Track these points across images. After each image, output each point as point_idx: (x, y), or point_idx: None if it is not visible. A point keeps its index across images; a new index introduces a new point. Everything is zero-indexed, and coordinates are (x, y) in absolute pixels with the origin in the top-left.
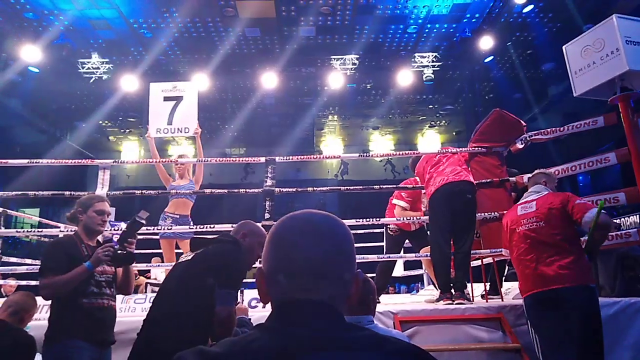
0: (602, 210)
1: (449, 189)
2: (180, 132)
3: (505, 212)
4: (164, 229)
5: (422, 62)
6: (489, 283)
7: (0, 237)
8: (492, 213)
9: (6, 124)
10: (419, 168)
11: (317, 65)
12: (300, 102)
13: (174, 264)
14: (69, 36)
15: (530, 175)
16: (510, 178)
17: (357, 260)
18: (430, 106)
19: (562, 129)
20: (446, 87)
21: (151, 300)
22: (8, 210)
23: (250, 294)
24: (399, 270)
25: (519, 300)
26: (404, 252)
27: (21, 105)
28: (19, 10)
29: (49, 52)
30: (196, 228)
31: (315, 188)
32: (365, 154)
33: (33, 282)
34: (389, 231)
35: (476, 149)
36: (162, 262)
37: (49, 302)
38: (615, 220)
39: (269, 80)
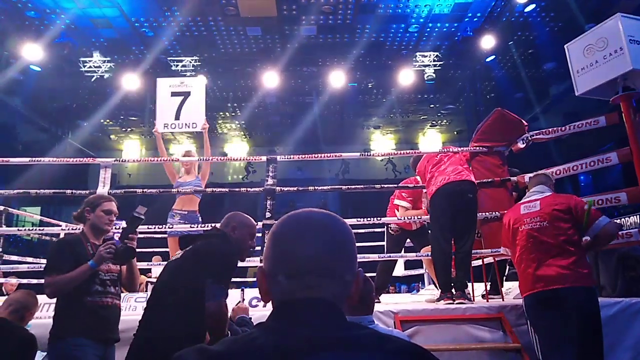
0: (608, 221)
1: (450, 188)
2: (188, 127)
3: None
4: (172, 227)
5: (423, 62)
6: (489, 283)
7: (1, 235)
8: (493, 213)
9: (8, 122)
10: (420, 167)
11: (319, 65)
12: (302, 101)
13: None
14: (70, 35)
15: (531, 175)
16: (512, 178)
17: (358, 260)
18: (432, 105)
19: (563, 128)
20: (447, 87)
21: None
22: (9, 209)
23: (251, 293)
24: (399, 270)
25: (519, 300)
26: (405, 252)
27: (23, 103)
28: (20, 8)
29: (50, 51)
30: (198, 227)
31: (316, 187)
32: (366, 153)
33: (34, 281)
34: (389, 230)
35: (477, 148)
36: (163, 260)
37: (51, 300)
38: (616, 220)
39: (270, 79)
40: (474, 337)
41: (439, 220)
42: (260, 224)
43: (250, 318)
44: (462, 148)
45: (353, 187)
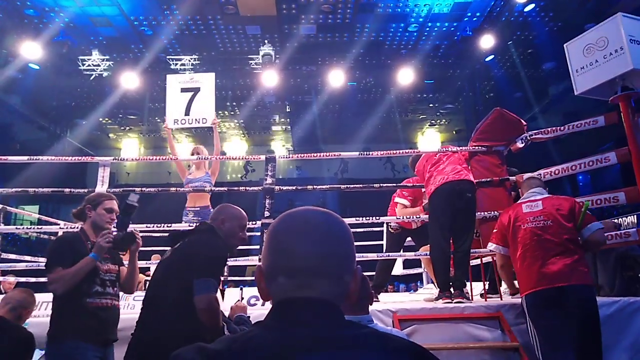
0: (599, 227)
1: (449, 187)
2: (198, 122)
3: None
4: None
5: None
6: (488, 282)
7: None
8: (492, 212)
9: (6, 120)
10: (419, 167)
11: (318, 64)
12: (301, 100)
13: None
14: (69, 33)
15: (527, 175)
16: (511, 177)
17: (357, 259)
18: (431, 105)
19: (562, 128)
20: (446, 86)
21: None
22: (8, 207)
23: (250, 292)
24: (398, 269)
25: (517, 299)
26: (404, 251)
27: (21, 102)
28: (19, 7)
29: (49, 49)
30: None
31: (315, 186)
32: (365, 153)
33: (32, 279)
34: (389, 228)
35: (476, 147)
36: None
37: (49, 299)
38: (614, 220)
39: (270, 78)
40: (472, 336)
41: (438, 219)
42: (259, 222)
43: (249, 317)
44: (461, 147)
45: (352, 186)
